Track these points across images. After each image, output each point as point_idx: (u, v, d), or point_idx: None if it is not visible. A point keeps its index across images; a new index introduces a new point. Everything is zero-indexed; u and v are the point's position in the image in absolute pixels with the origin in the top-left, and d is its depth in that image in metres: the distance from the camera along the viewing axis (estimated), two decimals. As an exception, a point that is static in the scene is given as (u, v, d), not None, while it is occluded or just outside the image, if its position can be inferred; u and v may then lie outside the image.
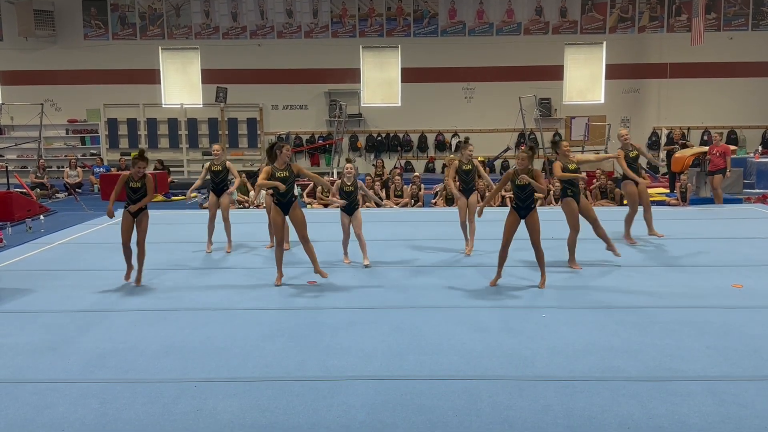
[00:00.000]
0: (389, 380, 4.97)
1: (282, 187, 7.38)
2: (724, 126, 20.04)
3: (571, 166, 8.30)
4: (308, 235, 7.73)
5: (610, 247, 8.69)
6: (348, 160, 8.87)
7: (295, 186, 7.86)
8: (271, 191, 8.01)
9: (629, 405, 4.50)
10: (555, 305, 6.88)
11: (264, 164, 9.73)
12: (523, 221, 7.46)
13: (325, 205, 8.85)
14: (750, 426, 4.21)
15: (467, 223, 9.40)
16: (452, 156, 18.13)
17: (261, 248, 10.01)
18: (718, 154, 13.98)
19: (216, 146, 9.85)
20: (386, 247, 9.98)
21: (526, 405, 4.53)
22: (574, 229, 8.37)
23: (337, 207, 8.84)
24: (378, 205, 12.65)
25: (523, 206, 7.42)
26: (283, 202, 7.61)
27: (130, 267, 7.91)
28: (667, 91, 20.65)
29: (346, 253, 9.10)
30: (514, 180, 7.39)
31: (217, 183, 9.67)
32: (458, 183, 9.37)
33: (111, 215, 7.70)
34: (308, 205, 15.32)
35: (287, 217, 7.73)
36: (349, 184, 8.77)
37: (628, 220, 9.98)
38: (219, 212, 9.72)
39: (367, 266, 8.72)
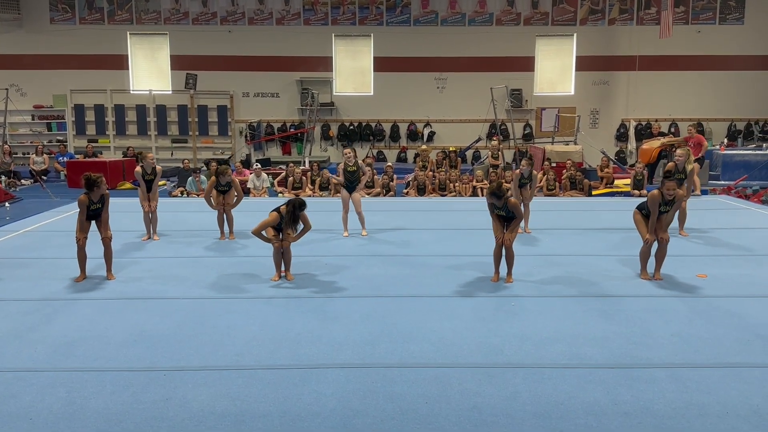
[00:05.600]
0: (360, 368, 4.99)
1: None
2: (691, 118, 20.36)
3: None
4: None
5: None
6: (345, 146, 9.22)
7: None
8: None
9: (595, 391, 4.58)
10: (524, 294, 6.96)
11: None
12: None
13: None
14: (712, 412, 4.31)
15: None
16: (425, 147, 18.21)
17: (240, 239, 9.96)
18: (693, 145, 14.28)
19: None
20: (358, 236, 10.01)
21: (494, 392, 4.58)
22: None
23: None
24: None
25: (506, 216, 7.37)
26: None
27: (83, 274, 7.55)
28: (636, 83, 20.92)
29: (345, 227, 10.16)
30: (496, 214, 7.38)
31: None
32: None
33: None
34: (279, 194, 15.26)
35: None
36: (351, 164, 10.01)
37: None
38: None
39: (364, 236, 10.00)
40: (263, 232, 7.42)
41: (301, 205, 7.35)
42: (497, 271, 7.51)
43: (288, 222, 7.34)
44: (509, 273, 7.47)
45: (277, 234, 7.49)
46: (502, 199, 7.19)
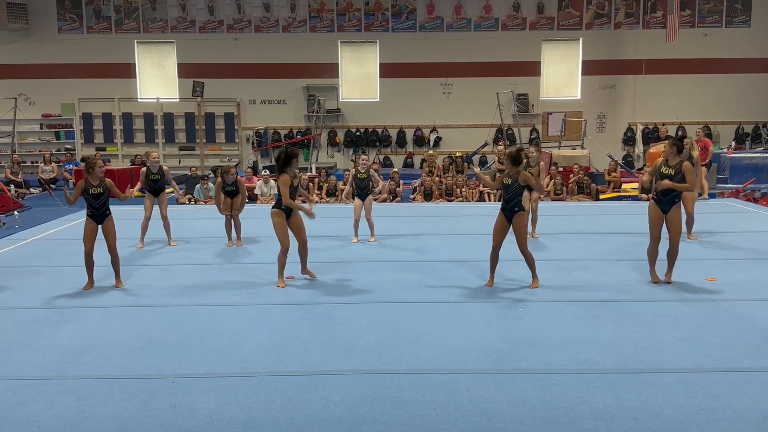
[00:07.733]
0: (368, 374, 4.98)
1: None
2: (698, 121, 20.27)
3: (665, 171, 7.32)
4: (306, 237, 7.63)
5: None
6: (363, 152, 9.22)
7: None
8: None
9: (604, 396, 4.56)
10: (531, 299, 6.94)
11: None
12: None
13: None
14: (722, 417, 4.28)
15: None
16: (431, 152, 18.20)
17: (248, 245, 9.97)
18: (700, 148, 14.22)
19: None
20: (365, 242, 10.01)
21: (503, 397, 4.57)
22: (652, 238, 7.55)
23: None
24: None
25: (507, 207, 7.15)
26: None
27: (90, 281, 7.53)
28: (643, 87, 20.87)
29: (356, 233, 10.09)
30: (502, 180, 7.25)
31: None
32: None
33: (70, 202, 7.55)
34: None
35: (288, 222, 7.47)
36: (362, 171, 9.92)
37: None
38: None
39: (372, 242, 10.01)
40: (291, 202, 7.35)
41: (290, 154, 7.31)
42: (492, 276, 7.48)
43: (283, 169, 7.26)
44: (534, 277, 7.38)
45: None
46: (519, 166, 7.10)
